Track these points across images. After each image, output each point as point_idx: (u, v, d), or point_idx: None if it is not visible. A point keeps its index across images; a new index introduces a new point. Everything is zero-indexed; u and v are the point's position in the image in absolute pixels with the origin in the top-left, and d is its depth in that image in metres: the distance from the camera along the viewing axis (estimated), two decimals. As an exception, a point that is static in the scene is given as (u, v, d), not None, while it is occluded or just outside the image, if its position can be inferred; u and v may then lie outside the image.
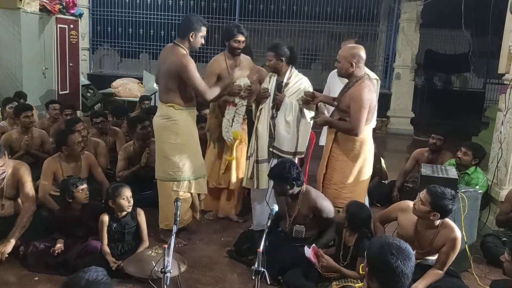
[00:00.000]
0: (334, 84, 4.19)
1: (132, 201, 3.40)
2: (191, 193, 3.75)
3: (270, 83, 3.86)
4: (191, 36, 3.52)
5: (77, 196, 3.43)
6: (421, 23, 9.48)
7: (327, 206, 3.40)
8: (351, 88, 3.41)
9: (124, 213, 3.41)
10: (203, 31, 3.57)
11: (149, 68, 10.69)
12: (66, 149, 3.95)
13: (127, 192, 3.36)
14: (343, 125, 3.46)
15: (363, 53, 3.41)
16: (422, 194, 2.92)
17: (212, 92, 3.60)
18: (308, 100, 3.72)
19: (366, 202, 3.76)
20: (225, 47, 4.16)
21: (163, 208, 3.76)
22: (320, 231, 3.49)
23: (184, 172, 3.64)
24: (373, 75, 4.14)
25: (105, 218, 3.37)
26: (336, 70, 3.59)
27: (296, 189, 3.41)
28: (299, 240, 3.44)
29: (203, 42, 3.62)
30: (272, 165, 3.84)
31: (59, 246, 3.29)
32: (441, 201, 2.84)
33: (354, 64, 3.36)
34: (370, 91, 3.37)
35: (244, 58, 4.23)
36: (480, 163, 4.49)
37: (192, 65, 3.46)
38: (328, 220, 3.41)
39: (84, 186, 3.47)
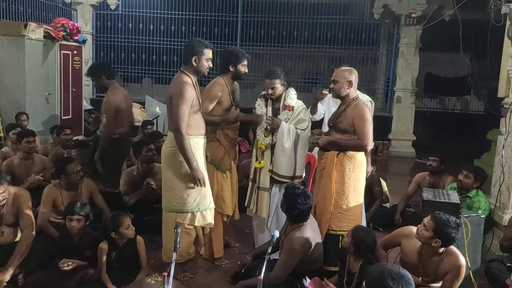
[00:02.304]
0: (331, 108, 4.24)
1: (133, 227, 3.38)
2: (195, 226, 3.56)
3: (259, 109, 3.89)
4: (194, 61, 3.42)
5: (67, 224, 3.42)
6: (421, 47, 9.57)
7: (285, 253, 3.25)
8: (349, 108, 3.49)
9: (124, 240, 3.38)
10: (207, 53, 3.46)
11: (151, 93, 10.78)
12: (65, 177, 3.94)
13: (128, 221, 3.36)
14: (352, 142, 3.47)
15: (356, 75, 3.56)
16: (426, 220, 2.90)
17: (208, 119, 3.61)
18: (316, 138, 3.69)
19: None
20: (224, 72, 3.92)
21: (165, 240, 3.58)
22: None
23: (188, 203, 3.46)
24: (366, 97, 4.25)
25: (104, 246, 3.34)
26: (330, 95, 3.67)
27: (291, 218, 3.32)
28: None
29: (210, 65, 3.50)
30: (272, 194, 3.83)
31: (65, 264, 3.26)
32: (444, 229, 2.82)
33: (352, 83, 3.49)
34: (369, 110, 3.55)
35: (236, 84, 4.07)
36: (482, 185, 4.47)
37: (185, 94, 3.33)
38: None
39: (77, 217, 3.39)
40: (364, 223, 3.83)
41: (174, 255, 2.72)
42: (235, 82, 4.04)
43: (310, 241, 3.24)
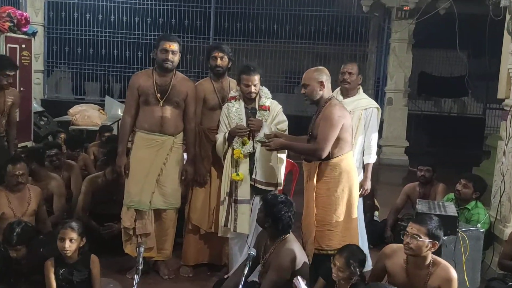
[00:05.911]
0: None
1: (71, 246, 3.21)
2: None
3: (235, 112, 3.85)
4: (155, 54, 3.89)
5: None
6: (414, 43, 9.73)
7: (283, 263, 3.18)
8: (321, 111, 3.45)
9: (74, 257, 3.27)
10: (162, 45, 3.82)
11: (111, 92, 10.66)
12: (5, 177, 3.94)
13: (67, 234, 3.20)
14: (305, 146, 3.51)
15: (328, 74, 3.51)
16: (414, 229, 2.95)
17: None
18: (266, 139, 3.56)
19: (361, 244, 3.72)
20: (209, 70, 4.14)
21: None
22: None
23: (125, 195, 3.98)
24: (373, 103, 4.20)
25: (49, 263, 3.25)
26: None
27: (275, 231, 3.29)
28: None
29: (167, 57, 3.81)
30: (254, 206, 3.79)
31: None
32: (435, 229, 2.95)
33: (324, 83, 3.44)
34: (342, 109, 3.46)
35: (234, 84, 4.06)
36: (481, 196, 4.53)
37: (129, 82, 3.97)
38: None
39: (14, 248, 3.37)
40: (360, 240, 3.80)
41: (136, 278, 2.70)
42: (228, 79, 4.12)
43: (299, 255, 3.23)
